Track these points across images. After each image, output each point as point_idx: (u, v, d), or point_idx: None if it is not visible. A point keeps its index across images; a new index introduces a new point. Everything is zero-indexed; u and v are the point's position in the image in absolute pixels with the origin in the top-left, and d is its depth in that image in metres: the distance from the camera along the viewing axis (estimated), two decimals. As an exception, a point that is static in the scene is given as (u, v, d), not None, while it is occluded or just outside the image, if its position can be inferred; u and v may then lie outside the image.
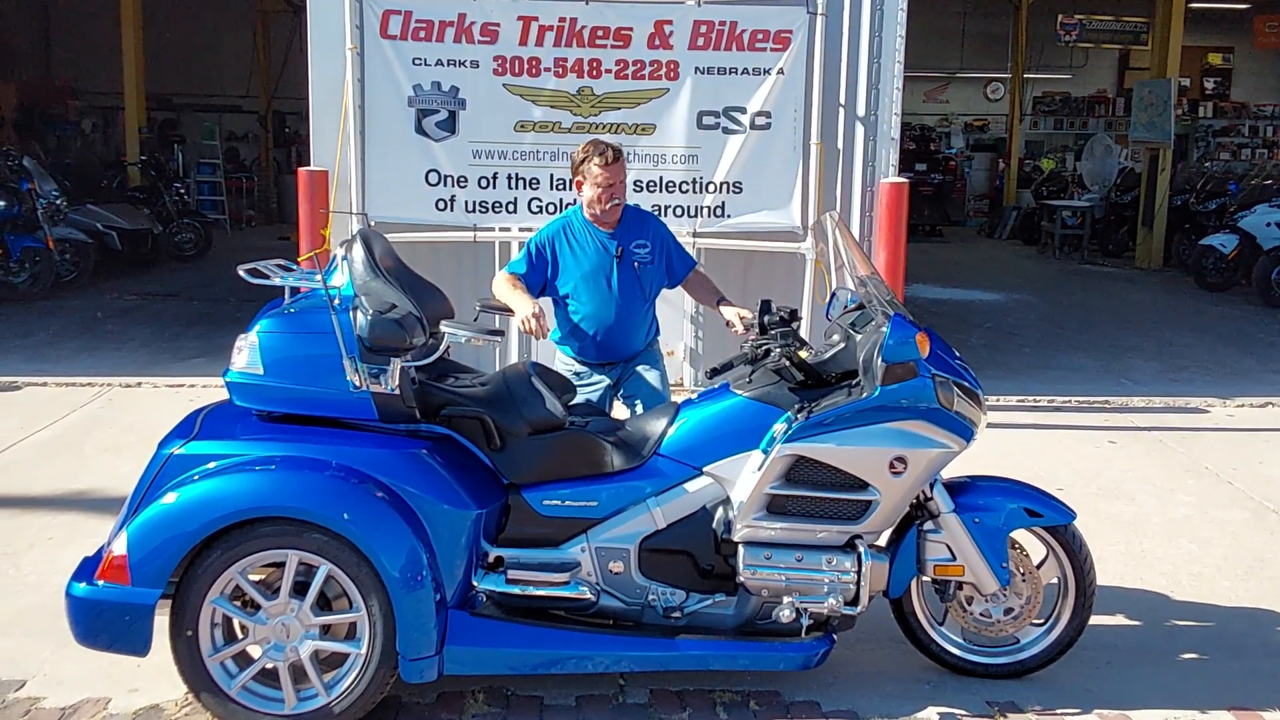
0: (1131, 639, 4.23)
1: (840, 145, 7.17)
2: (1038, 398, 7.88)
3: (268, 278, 3.54)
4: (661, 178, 6.84)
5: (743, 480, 3.57)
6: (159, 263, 13.56)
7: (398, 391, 3.45)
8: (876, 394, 3.47)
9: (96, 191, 13.48)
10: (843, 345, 3.70)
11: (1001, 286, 13.73)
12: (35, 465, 6.00)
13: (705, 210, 6.87)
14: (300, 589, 3.35)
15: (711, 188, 6.85)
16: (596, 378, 4.55)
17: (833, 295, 4.24)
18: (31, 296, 10.94)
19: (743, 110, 6.79)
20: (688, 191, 6.87)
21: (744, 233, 6.92)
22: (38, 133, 16.64)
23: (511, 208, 6.83)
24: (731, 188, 6.85)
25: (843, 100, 7.15)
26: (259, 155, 20.32)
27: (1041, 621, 3.87)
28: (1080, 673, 3.92)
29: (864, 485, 3.52)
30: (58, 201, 11.48)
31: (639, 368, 4.58)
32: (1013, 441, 6.70)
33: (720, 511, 3.62)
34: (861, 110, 7.21)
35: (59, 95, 18.61)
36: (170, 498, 3.27)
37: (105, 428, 6.72)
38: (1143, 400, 7.94)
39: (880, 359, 3.44)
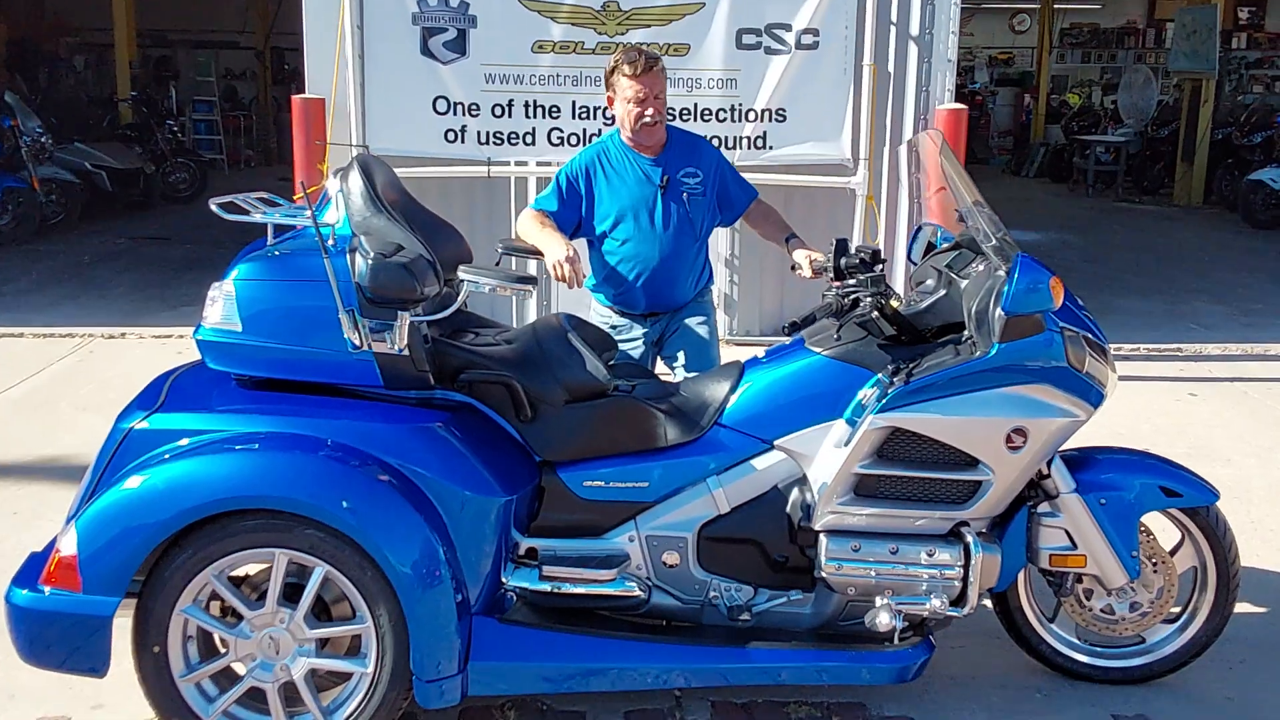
0: (1264, 631, 3.65)
1: (891, 68, 6.53)
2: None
3: (247, 213, 2.94)
4: (696, 104, 6.21)
5: (823, 456, 2.98)
6: (151, 204, 13.05)
7: (406, 352, 2.85)
8: (994, 352, 2.85)
9: (87, 130, 13.03)
10: (943, 292, 3.08)
11: (1038, 225, 13.04)
12: (4, 426, 5.46)
13: (745, 141, 6.25)
14: (293, 593, 2.76)
15: (752, 115, 6.23)
16: (636, 331, 3.93)
17: (917, 230, 3.62)
18: (15, 240, 10.44)
19: (787, 28, 6.15)
20: (725, 120, 6.23)
21: (788, 166, 6.29)
22: (29, 70, 16.10)
23: (529, 139, 6.24)
24: (774, 115, 6.22)
25: (894, 18, 6.48)
26: (258, 94, 19.77)
27: (1173, 618, 3.29)
28: (1212, 676, 3.34)
29: (974, 463, 2.92)
30: (43, 139, 11.06)
31: (687, 320, 3.95)
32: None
33: (795, 493, 3.03)
34: (915, 29, 6.54)
35: (52, 32, 18.07)
36: (130, 484, 2.68)
37: (84, 383, 6.18)
38: (1218, 347, 7.33)
39: (1001, 309, 2.82)
